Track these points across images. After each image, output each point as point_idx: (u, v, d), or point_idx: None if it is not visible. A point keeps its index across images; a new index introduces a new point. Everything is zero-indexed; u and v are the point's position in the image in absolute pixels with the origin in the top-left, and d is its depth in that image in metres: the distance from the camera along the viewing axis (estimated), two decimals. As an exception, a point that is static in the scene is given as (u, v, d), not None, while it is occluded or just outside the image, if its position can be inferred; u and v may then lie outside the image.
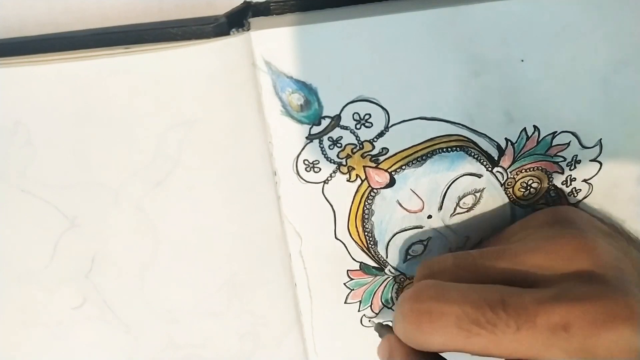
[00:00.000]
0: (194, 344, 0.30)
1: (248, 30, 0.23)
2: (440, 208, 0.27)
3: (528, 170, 0.26)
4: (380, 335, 0.26)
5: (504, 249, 0.23)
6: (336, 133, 0.24)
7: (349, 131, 0.24)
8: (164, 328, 0.30)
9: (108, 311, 0.29)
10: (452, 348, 0.20)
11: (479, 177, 0.26)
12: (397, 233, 0.27)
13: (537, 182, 0.27)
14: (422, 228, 0.27)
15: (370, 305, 0.30)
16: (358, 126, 0.24)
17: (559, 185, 0.27)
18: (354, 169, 0.25)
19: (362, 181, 0.26)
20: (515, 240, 0.24)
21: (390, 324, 0.26)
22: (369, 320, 0.30)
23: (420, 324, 0.21)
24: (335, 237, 0.27)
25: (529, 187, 0.27)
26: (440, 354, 0.22)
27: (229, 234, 0.27)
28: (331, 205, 0.26)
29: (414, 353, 0.22)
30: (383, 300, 0.30)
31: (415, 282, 0.24)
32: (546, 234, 0.23)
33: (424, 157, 0.25)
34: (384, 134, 0.24)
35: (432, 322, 0.20)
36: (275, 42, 0.22)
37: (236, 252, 0.27)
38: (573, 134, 0.25)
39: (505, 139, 0.25)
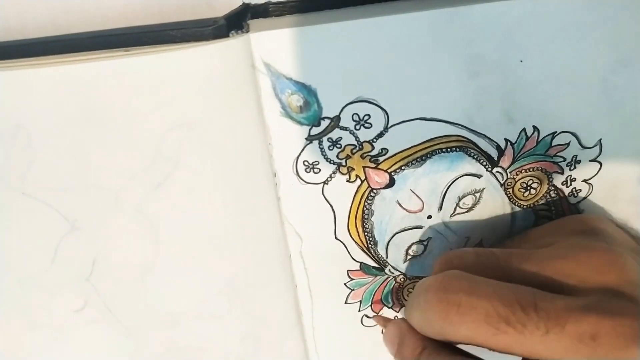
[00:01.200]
0: (195, 346, 0.30)
1: (247, 32, 0.23)
2: (440, 208, 0.27)
3: (528, 171, 0.26)
4: (382, 325, 0.26)
5: (532, 253, 0.23)
6: (336, 134, 0.24)
7: (348, 132, 0.24)
8: (165, 331, 0.30)
9: (109, 314, 0.29)
10: (475, 342, 0.20)
11: (479, 178, 0.26)
12: (397, 233, 0.27)
13: (537, 183, 0.27)
14: (422, 228, 0.27)
15: (371, 305, 0.30)
16: (357, 127, 0.24)
17: (559, 185, 0.27)
18: (353, 169, 0.25)
19: (362, 182, 0.26)
20: (541, 245, 0.24)
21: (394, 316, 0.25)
22: (368, 317, 0.30)
23: (448, 314, 0.20)
24: (336, 238, 0.27)
25: (529, 188, 0.27)
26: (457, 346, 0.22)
27: (229, 236, 0.27)
28: (331, 206, 0.26)
29: (429, 340, 0.22)
30: (383, 300, 0.30)
31: (434, 275, 0.24)
32: (576, 242, 0.23)
33: (423, 158, 0.25)
34: (384, 134, 0.25)
35: (461, 315, 0.20)
36: (275, 43, 0.22)
37: (236, 254, 0.27)
38: (573, 134, 0.25)
39: (505, 139, 0.25)
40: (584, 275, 0.21)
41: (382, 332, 0.26)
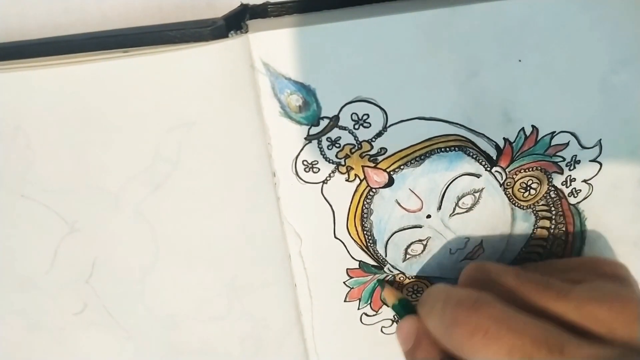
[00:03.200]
0: (196, 348, 0.30)
1: (246, 32, 0.23)
2: (439, 208, 0.27)
3: (527, 170, 0.26)
4: (398, 313, 0.26)
5: (570, 290, 0.22)
6: (335, 133, 0.24)
7: (347, 131, 0.24)
8: (165, 333, 0.30)
9: (109, 317, 0.29)
10: None
11: (478, 177, 0.26)
12: (396, 232, 0.27)
13: (537, 183, 0.27)
14: (421, 227, 0.27)
15: (370, 303, 0.29)
16: (356, 126, 0.24)
17: (559, 185, 0.27)
18: (352, 168, 0.25)
19: (361, 181, 0.26)
20: (570, 280, 0.23)
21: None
22: (367, 315, 0.30)
23: (472, 337, 0.21)
24: (335, 237, 0.27)
25: (528, 188, 0.27)
26: None
27: (229, 236, 0.27)
28: (330, 205, 0.26)
29: (445, 353, 0.22)
30: (382, 298, 0.29)
31: (464, 281, 0.24)
32: (611, 289, 0.23)
33: (422, 157, 0.25)
34: (382, 134, 0.25)
35: (486, 341, 0.20)
36: (273, 44, 0.22)
37: (236, 254, 0.27)
38: (572, 134, 0.25)
39: (504, 138, 0.25)
40: (614, 326, 0.21)
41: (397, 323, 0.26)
